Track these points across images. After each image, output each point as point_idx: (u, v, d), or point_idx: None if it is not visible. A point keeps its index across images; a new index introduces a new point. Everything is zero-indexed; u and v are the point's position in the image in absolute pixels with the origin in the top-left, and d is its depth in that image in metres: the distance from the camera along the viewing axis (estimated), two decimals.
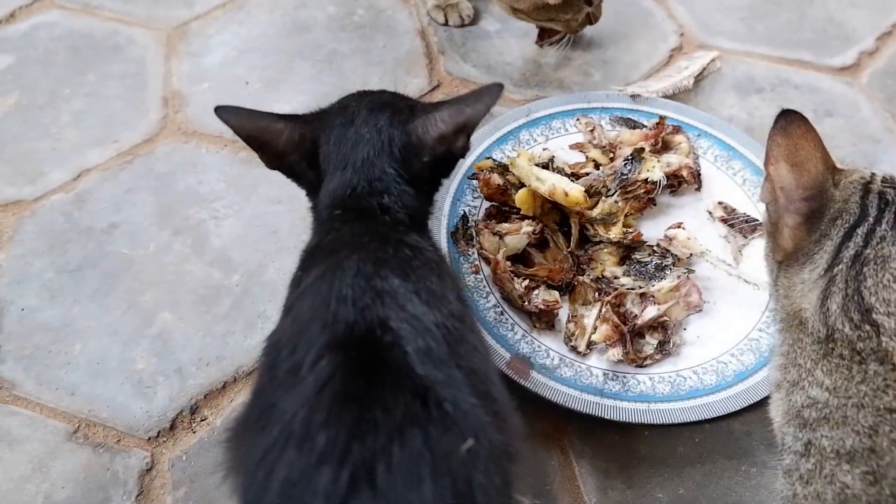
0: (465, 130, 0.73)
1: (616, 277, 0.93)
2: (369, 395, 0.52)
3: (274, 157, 0.75)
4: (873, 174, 0.65)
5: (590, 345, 0.88)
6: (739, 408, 0.84)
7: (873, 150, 1.10)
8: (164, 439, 0.88)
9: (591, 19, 1.18)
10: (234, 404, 0.90)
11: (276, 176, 1.09)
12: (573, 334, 0.89)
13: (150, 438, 0.88)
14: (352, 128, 0.73)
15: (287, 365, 0.56)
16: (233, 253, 1.03)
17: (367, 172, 0.71)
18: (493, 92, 0.72)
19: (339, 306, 0.57)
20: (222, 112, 0.72)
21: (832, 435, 0.58)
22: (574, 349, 0.89)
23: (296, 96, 1.21)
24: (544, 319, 0.91)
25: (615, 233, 0.95)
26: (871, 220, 0.61)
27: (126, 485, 0.84)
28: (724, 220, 0.98)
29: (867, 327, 0.58)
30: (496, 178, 0.99)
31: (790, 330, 0.63)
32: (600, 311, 0.89)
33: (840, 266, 0.60)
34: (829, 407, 0.59)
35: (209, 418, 0.89)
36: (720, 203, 1.00)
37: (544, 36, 1.25)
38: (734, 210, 0.99)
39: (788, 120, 0.63)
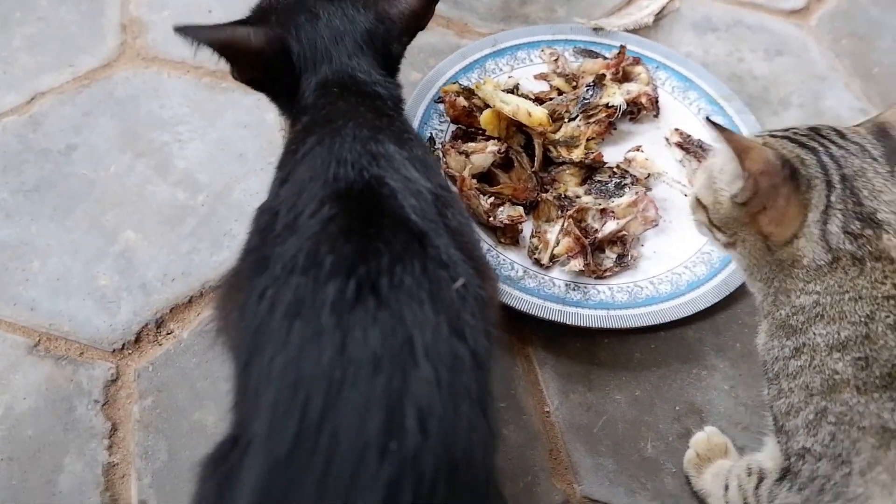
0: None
1: (578, 196, 0.97)
2: (371, 230, 0.54)
3: (248, 64, 0.73)
4: (766, 133, 0.69)
5: (552, 258, 0.92)
6: (692, 313, 0.88)
7: (819, 87, 1.16)
8: (130, 351, 0.88)
9: None
10: (202, 318, 0.90)
11: (243, 100, 1.11)
12: (536, 248, 0.93)
13: (114, 351, 0.88)
14: (320, 22, 0.73)
15: (285, 221, 0.58)
16: (198, 175, 1.03)
17: (348, 65, 0.72)
18: None
19: (339, 168, 0.60)
20: (183, 31, 0.68)
21: (827, 331, 0.60)
22: (537, 262, 0.92)
23: None
24: (509, 234, 0.93)
25: (577, 154, 0.98)
26: (821, 148, 0.64)
27: (91, 395, 0.84)
28: (680, 146, 1.02)
29: (869, 231, 0.61)
30: (462, 101, 1.01)
31: (780, 271, 0.66)
32: (563, 225, 0.92)
33: (835, 192, 0.62)
34: (820, 306, 0.61)
35: (175, 331, 0.89)
36: (677, 129, 1.04)
37: None
38: (689, 136, 1.03)
39: (716, 124, 0.65)
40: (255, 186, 1.01)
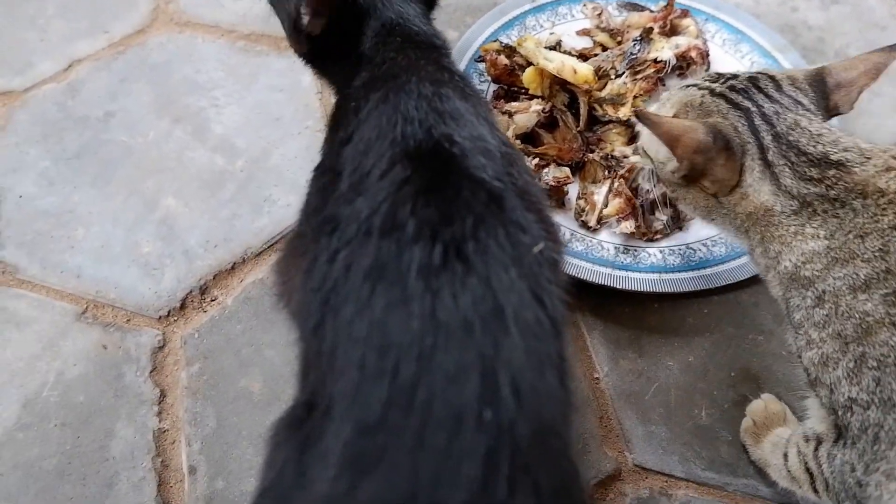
0: None
1: (626, 156, 0.91)
2: (450, 192, 0.51)
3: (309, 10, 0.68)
4: (706, 88, 0.68)
5: (600, 220, 0.87)
6: (747, 277, 0.83)
7: (878, 37, 1.08)
8: (175, 318, 0.86)
9: None
10: (245, 284, 0.87)
11: (276, 64, 1.06)
12: (583, 210, 0.87)
13: (160, 318, 0.85)
14: None
15: (350, 181, 0.55)
16: (236, 140, 0.99)
17: (402, 11, 0.70)
18: None
19: (407, 126, 0.56)
20: None
21: (844, 273, 0.58)
22: (584, 224, 0.87)
23: None
24: (555, 197, 0.88)
25: (624, 112, 0.92)
26: (754, 109, 0.64)
27: (139, 361, 0.82)
28: None
29: (832, 172, 0.60)
30: (503, 59, 0.95)
31: (756, 224, 0.65)
32: (611, 186, 0.87)
33: (770, 151, 0.63)
34: (832, 250, 0.59)
35: (219, 298, 0.87)
36: None
37: None
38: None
39: (644, 119, 0.65)
40: (293, 151, 0.97)
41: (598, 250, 0.85)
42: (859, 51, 1.06)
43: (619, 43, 1.00)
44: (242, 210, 0.93)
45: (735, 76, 0.68)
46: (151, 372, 0.82)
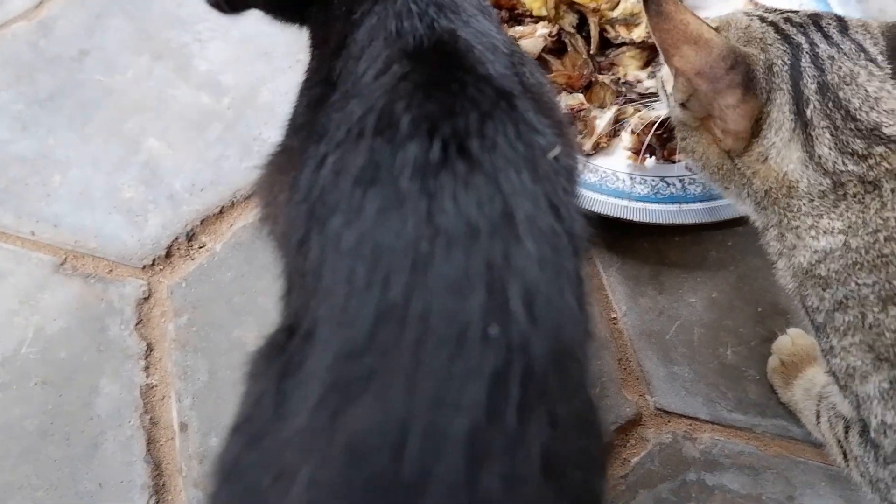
0: None
1: (640, 81, 0.78)
2: (454, 85, 0.41)
3: None
4: (757, 15, 0.53)
5: (597, 146, 0.75)
6: None
7: None
8: (161, 267, 0.74)
9: None
10: (235, 229, 0.76)
11: None
12: (580, 132, 0.75)
13: (144, 267, 0.74)
14: None
15: (344, 87, 0.45)
16: (222, 76, 0.86)
17: None
18: None
19: (404, 21, 0.46)
20: None
21: (872, 280, 0.45)
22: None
23: None
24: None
25: (638, 33, 0.79)
26: (806, 46, 0.49)
27: (123, 313, 0.72)
28: (760, 19, 0.82)
29: (879, 149, 0.46)
30: None
31: (775, 203, 0.51)
32: (616, 113, 0.75)
33: (810, 106, 0.48)
34: (852, 251, 0.46)
35: (208, 244, 0.75)
36: (753, 0, 0.83)
37: None
38: (768, 8, 0.82)
39: (656, 2, 0.49)
40: (284, 86, 0.84)
41: (612, 181, 0.73)
42: None
43: None
44: (231, 150, 0.81)
45: (796, 12, 0.54)
46: (137, 324, 0.71)
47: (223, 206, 0.77)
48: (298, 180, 0.43)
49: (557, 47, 0.80)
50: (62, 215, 0.77)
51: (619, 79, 0.78)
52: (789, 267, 0.51)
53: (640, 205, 0.71)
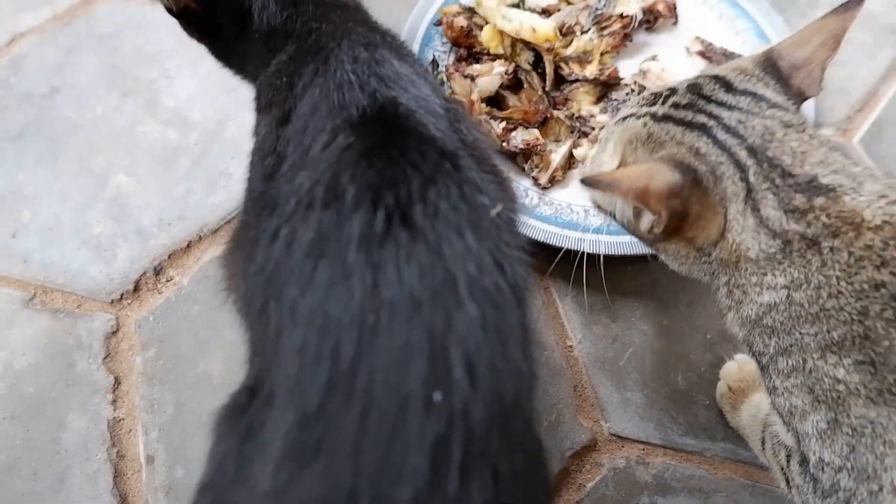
0: None
1: (593, 116, 0.82)
2: (395, 151, 0.44)
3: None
4: (647, 115, 0.53)
5: (552, 179, 0.78)
6: None
7: None
8: (129, 301, 0.76)
9: None
10: (202, 263, 0.78)
11: None
12: (537, 166, 0.79)
13: (113, 301, 0.76)
14: None
15: (292, 159, 0.47)
16: (189, 112, 0.88)
17: None
18: None
19: (346, 94, 0.49)
20: None
21: (815, 330, 0.47)
22: (535, 181, 0.78)
23: None
24: (526, 160, 0.79)
25: (591, 70, 0.83)
26: (710, 122, 0.50)
27: (91, 348, 0.73)
28: (702, 55, 0.86)
29: (819, 200, 0.47)
30: (460, 21, 0.85)
31: (725, 269, 0.52)
32: (570, 147, 0.78)
33: (750, 170, 0.48)
34: (795, 304, 0.47)
35: (175, 278, 0.77)
36: (698, 38, 0.87)
37: None
38: (712, 45, 0.87)
39: (594, 183, 0.51)
40: (250, 121, 0.86)
41: (567, 213, 0.76)
42: None
43: None
44: (197, 185, 0.83)
45: (673, 91, 0.54)
46: (105, 358, 0.73)
47: (190, 241, 0.79)
48: (255, 252, 0.45)
49: (514, 83, 0.83)
50: (31, 251, 0.79)
51: (573, 114, 0.81)
52: (738, 318, 0.52)
53: (593, 236, 0.74)
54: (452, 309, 0.39)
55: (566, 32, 0.85)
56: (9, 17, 0.97)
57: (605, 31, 0.85)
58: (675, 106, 0.52)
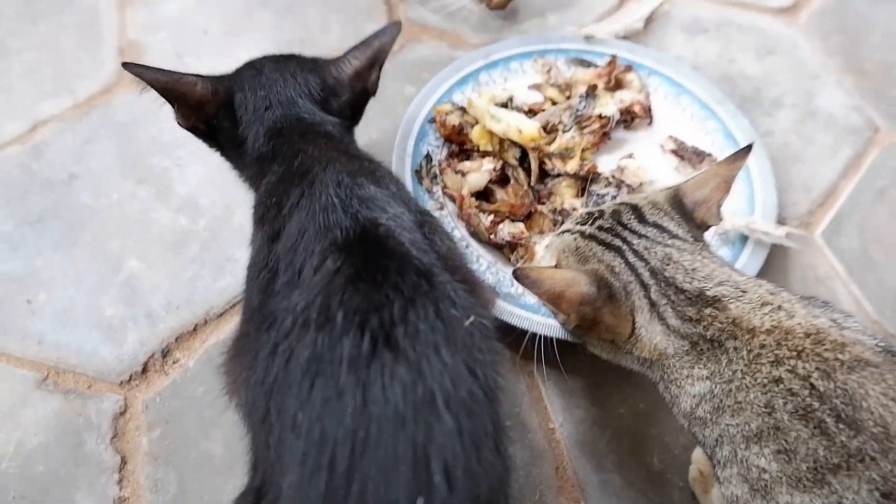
0: (378, 63, 0.74)
1: (575, 209, 0.89)
2: (379, 276, 0.50)
3: (190, 109, 0.72)
4: (577, 232, 0.64)
5: None
6: None
7: (812, 85, 1.08)
8: (137, 382, 0.82)
9: None
10: (207, 346, 0.84)
11: None
12: (522, 257, 0.86)
13: (121, 382, 0.81)
14: (262, 76, 0.71)
15: (285, 278, 0.54)
16: (199, 199, 0.96)
17: (293, 108, 0.69)
18: (393, 28, 0.74)
19: (330, 215, 0.56)
20: (131, 68, 0.69)
21: (736, 422, 0.54)
22: None
23: (257, 45, 1.12)
24: (513, 251, 0.86)
25: (572, 166, 0.91)
26: (624, 247, 0.60)
27: (100, 428, 0.78)
28: (675, 153, 0.94)
29: (708, 310, 0.56)
30: (452, 120, 0.93)
31: (655, 365, 0.61)
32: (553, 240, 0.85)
33: (651, 290, 0.58)
34: (717, 396, 0.55)
35: (182, 360, 0.83)
36: (671, 137, 0.96)
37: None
38: (684, 143, 0.95)
39: (524, 277, 0.60)
40: None
41: None
42: (794, 100, 1.06)
43: (568, 97, 0.99)
44: (205, 270, 0.89)
45: (601, 214, 0.65)
46: (112, 438, 0.78)
47: (197, 324, 0.85)
48: (256, 363, 0.51)
49: (502, 178, 0.91)
50: (46, 333, 0.84)
51: (556, 209, 0.89)
52: (678, 412, 0.60)
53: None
54: (432, 422, 0.45)
55: (550, 130, 0.94)
56: (32, 104, 1.05)
57: (586, 130, 0.93)
58: (600, 228, 0.63)
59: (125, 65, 0.68)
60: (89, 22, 1.15)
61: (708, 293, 0.57)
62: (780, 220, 0.91)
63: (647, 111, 0.97)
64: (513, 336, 0.81)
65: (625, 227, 0.62)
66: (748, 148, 0.65)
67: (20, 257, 0.90)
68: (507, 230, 0.86)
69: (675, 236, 0.61)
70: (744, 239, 0.86)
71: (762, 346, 0.53)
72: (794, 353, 0.52)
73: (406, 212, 0.59)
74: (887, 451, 0.48)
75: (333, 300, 0.49)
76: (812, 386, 0.51)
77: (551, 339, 0.79)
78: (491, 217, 0.87)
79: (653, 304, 0.58)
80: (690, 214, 0.63)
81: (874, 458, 0.48)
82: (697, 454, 0.75)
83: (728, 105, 0.98)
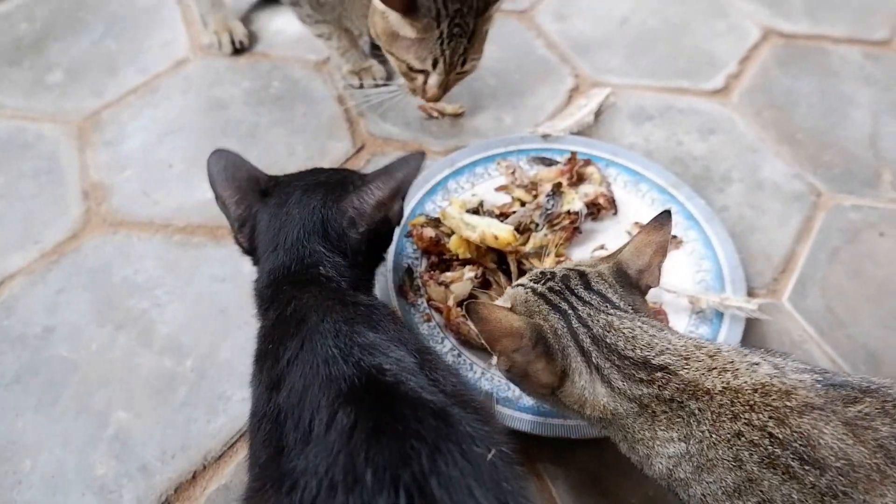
0: (400, 193, 0.78)
1: None
2: (399, 426, 0.53)
3: (223, 206, 0.80)
4: (529, 287, 0.72)
5: None
6: None
7: (753, 158, 1.21)
8: None
9: (427, 90, 1.11)
10: (209, 492, 0.85)
11: (215, 254, 1.08)
12: None
13: None
14: (283, 209, 0.76)
15: (295, 435, 0.56)
16: (182, 338, 0.99)
17: (297, 251, 0.74)
18: (417, 157, 0.79)
19: (332, 367, 0.59)
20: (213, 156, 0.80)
21: (714, 479, 0.59)
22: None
23: None
24: None
25: (549, 263, 0.99)
26: (570, 312, 0.68)
27: None
28: None
29: (658, 374, 0.63)
30: (428, 232, 1.00)
31: (612, 423, 0.67)
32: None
33: (592, 354, 0.66)
34: (693, 455, 0.60)
35: None
36: (636, 223, 1.06)
37: (425, 108, 1.27)
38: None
39: (475, 311, 0.67)
40: (242, 342, 0.98)
41: None
42: (741, 174, 1.19)
43: (535, 196, 1.08)
44: (197, 412, 0.91)
45: (553, 275, 0.73)
46: None
47: (195, 471, 0.86)
48: None
49: (483, 283, 0.98)
50: (35, 502, 0.84)
51: None
52: (654, 473, 0.65)
53: (574, 422, 0.86)
54: None
55: (523, 231, 1.02)
56: None
57: (557, 227, 1.02)
58: (550, 290, 0.71)
59: (212, 154, 0.81)
60: (49, 167, 1.20)
61: (653, 362, 0.63)
62: (749, 291, 1.00)
63: (611, 202, 1.07)
64: (519, 439, 0.86)
65: (572, 292, 0.70)
66: (667, 212, 0.75)
67: None
68: None
69: (616, 307, 0.69)
70: (720, 315, 0.94)
71: (720, 406, 0.60)
72: (748, 408, 0.59)
73: (406, 354, 0.62)
74: (855, 482, 0.54)
75: (358, 459, 0.51)
76: (770, 434, 0.57)
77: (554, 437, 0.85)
78: None
79: (596, 368, 0.65)
80: (636, 282, 0.72)
81: (846, 492, 0.54)
82: None
83: (683, 188, 1.09)
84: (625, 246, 0.75)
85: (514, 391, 0.89)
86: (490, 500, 0.51)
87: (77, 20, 1.48)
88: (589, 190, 1.07)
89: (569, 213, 1.02)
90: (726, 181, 1.17)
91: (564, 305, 0.68)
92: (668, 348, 0.64)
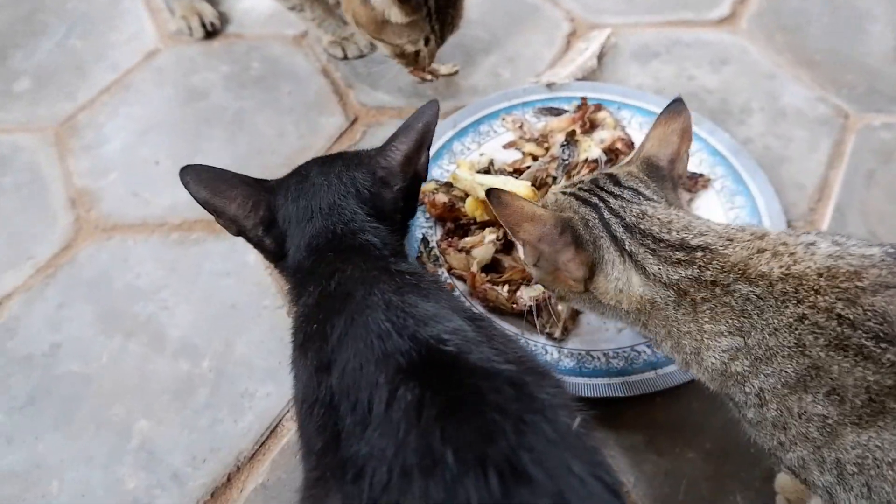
0: (425, 144, 0.76)
1: None
2: (474, 399, 0.49)
3: (229, 222, 0.74)
4: (559, 191, 0.73)
5: (566, 329, 0.89)
6: None
7: (771, 85, 1.19)
8: None
9: (420, 62, 1.13)
10: (247, 493, 0.84)
11: (216, 248, 1.06)
12: (547, 322, 0.90)
13: None
14: (307, 181, 0.74)
15: (353, 417, 0.52)
16: (195, 339, 0.97)
17: (338, 216, 0.71)
18: (433, 105, 0.76)
19: (387, 342, 0.55)
20: (185, 173, 0.72)
21: (772, 370, 0.57)
22: (550, 336, 0.90)
23: (215, 163, 1.16)
24: (539, 316, 0.91)
25: None
26: (601, 204, 0.68)
27: None
28: None
29: (699, 254, 0.61)
30: (441, 197, 0.99)
31: (651, 316, 0.66)
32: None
33: (626, 242, 0.65)
34: (749, 347, 0.58)
35: None
36: None
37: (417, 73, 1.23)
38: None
39: (496, 196, 0.68)
40: (258, 336, 0.96)
41: (589, 361, 0.87)
42: (761, 103, 1.16)
43: (547, 149, 1.06)
44: (222, 413, 0.90)
45: (581, 181, 0.73)
46: None
47: (230, 473, 0.85)
48: None
49: (506, 245, 0.97)
50: None
51: None
52: (704, 371, 0.63)
53: (619, 379, 0.85)
54: None
55: (540, 185, 1.00)
56: None
57: (575, 178, 1.00)
58: (581, 188, 0.71)
59: (182, 169, 0.73)
60: (30, 179, 1.18)
61: (691, 242, 0.63)
62: (787, 223, 0.99)
63: (630, 145, 1.05)
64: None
65: (602, 188, 0.70)
66: (679, 99, 0.74)
67: (19, 449, 0.89)
68: (527, 295, 0.91)
69: (649, 199, 0.68)
70: None
71: (783, 293, 0.57)
72: (813, 292, 0.56)
73: (463, 322, 0.58)
74: None
75: (433, 439, 0.46)
76: (839, 316, 0.54)
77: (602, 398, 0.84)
78: (506, 287, 0.92)
79: (630, 255, 0.65)
80: (668, 172, 0.71)
81: None
82: (781, 482, 0.79)
83: (704, 122, 1.07)
84: (645, 142, 0.74)
85: (551, 354, 0.88)
86: (587, 474, 0.48)
87: (36, 23, 1.45)
88: (604, 136, 1.05)
89: (587, 161, 1.00)
90: (746, 112, 1.15)
91: (595, 199, 0.69)
92: (708, 231, 0.64)
